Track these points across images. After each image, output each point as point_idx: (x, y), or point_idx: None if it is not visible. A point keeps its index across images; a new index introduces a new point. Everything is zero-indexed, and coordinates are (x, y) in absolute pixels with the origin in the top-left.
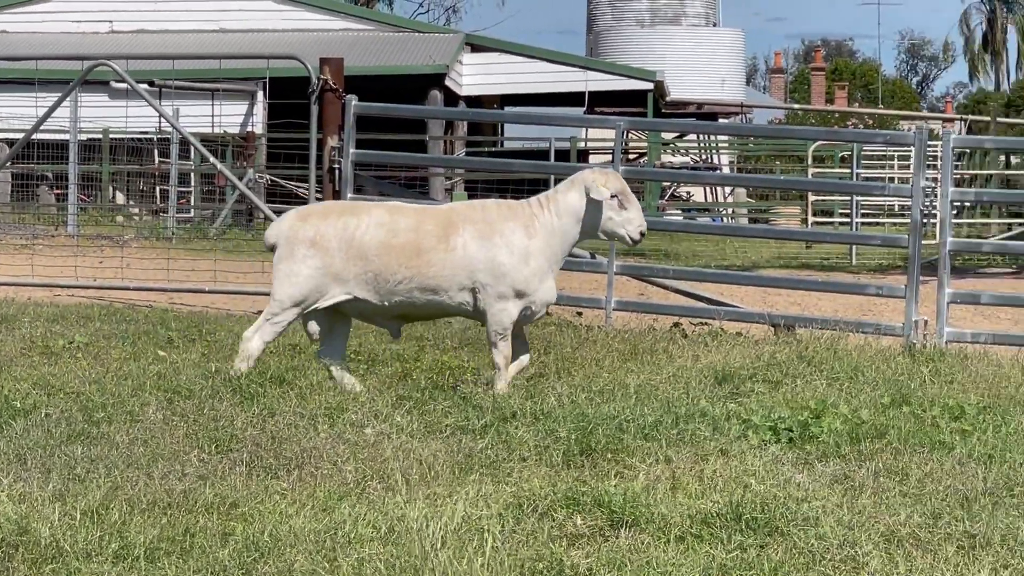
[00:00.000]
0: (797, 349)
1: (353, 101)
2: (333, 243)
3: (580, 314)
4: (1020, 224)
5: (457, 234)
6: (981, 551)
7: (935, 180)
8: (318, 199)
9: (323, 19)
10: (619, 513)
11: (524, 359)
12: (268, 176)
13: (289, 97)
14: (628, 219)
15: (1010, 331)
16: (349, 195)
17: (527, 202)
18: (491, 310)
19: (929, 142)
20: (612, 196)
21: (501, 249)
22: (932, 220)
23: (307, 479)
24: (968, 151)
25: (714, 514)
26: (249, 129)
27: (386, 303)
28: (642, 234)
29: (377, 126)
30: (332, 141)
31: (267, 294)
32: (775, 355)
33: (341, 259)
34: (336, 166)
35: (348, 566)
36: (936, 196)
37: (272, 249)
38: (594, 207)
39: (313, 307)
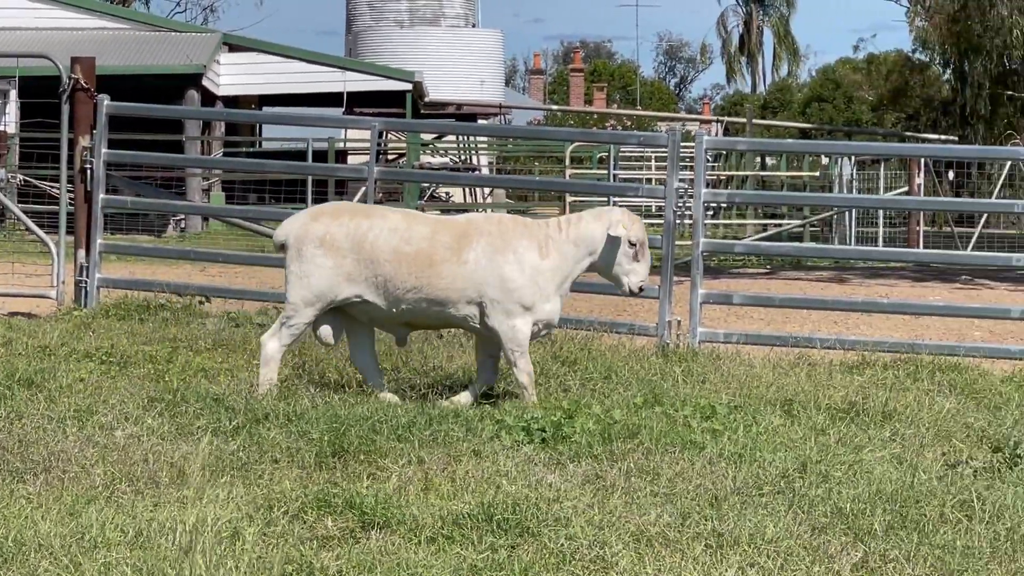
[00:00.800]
0: (551, 349)
1: (105, 101)
2: (344, 243)
3: None
4: (776, 225)
5: (471, 247)
6: (729, 550)
7: (689, 181)
8: (70, 200)
9: (77, 17)
10: (370, 515)
11: (470, 395)
12: (21, 176)
13: (42, 96)
14: (635, 270)
15: (762, 331)
16: (101, 195)
17: (545, 222)
18: (502, 328)
19: (683, 143)
20: (631, 244)
21: (512, 266)
22: (686, 221)
23: (54, 483)
24: (724, 153)
25: (465, 515)
26: (1, 128)
27: (394, 310)
28: (640, 289)
29: (134, 126)
30: (84, 141)
31: (17, 295)
32: (533, 356)
33: (352, 260)
34: (88, 166)
35: (94, 571)
36: (690, 197)
37: (282, 248)
38: (611, 246)
39: (328, 306)
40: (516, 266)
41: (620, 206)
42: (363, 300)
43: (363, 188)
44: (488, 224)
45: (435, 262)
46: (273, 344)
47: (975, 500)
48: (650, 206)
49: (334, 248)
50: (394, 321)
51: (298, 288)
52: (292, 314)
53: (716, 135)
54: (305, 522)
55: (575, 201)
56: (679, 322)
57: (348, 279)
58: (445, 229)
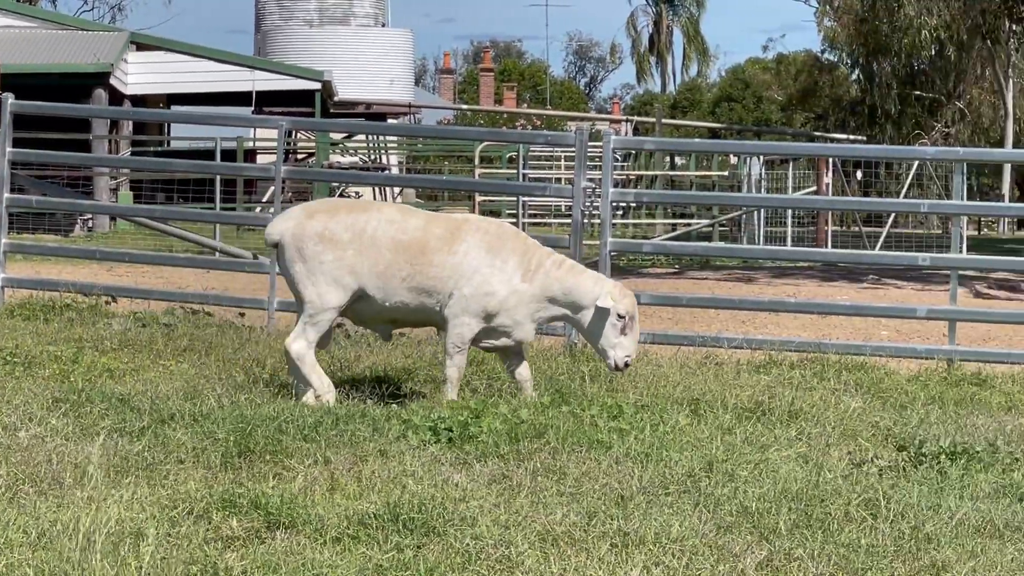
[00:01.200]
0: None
1: (9, 99)
2: (344, 236)
3: (243, 315)
4: (685, 224)
5: (462, 240)
6: (634, 549)
7: (597, 181)
8: None
9: None
10: (276, 515)
11: (526, 374)
12: None
13: None
14: (622, 343)
15: (670, 331)
16: (6, 195)
17: (548, 251)
18: (453, 320)
19: (590, 143)
20: (620, 316)
21: (496, 273)
22: (595, 220)
23: None
24: (634, 152)
25: (371, 515)
26: None
27: (387, 303)
28: (627, 364)
29: (40, 125)
30: None
31: None
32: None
33: (353, 252)
34: None
35: None
36: (597, 197)
37: (274, 246)
38: (600, 316)
39: (347, 298)
40: (499, 274)
41: (611, 282)
42: (363, 294)
43: (271, 188)
44: (488, 224)
45: (428, 251)
46: (299, 344)
47: (880, 499)
48: (559, 206)
49: (334, 242)
50: (384, 317)
51: (312, 286)
52: (314, 310)
53: (626, 135)
54: (210, 522)
55: (484, 200)
56: None
57: (351, 272)
58: (439, 222)
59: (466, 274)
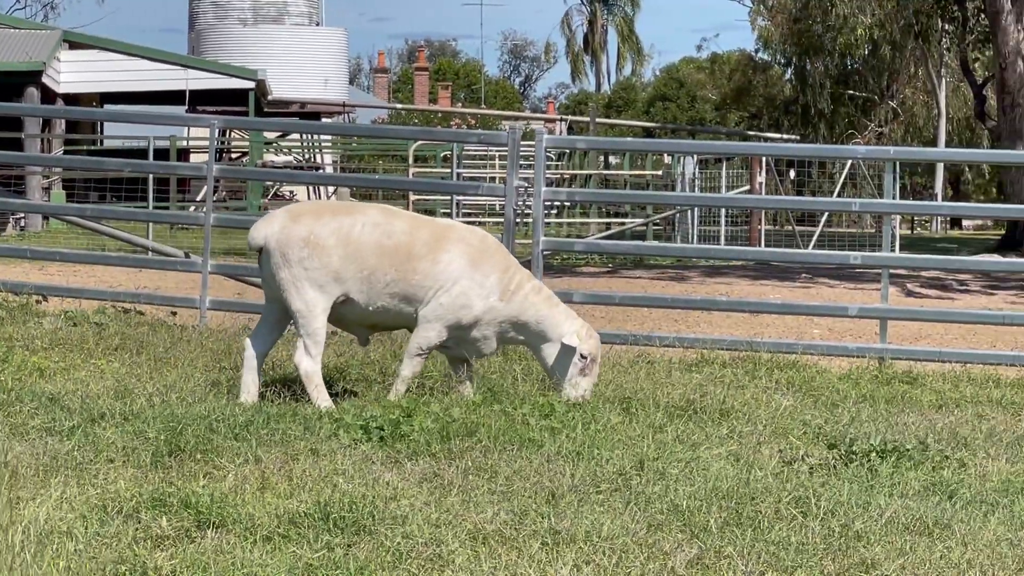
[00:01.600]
0: (391, 348)
1: None
2: (330, 241)
3: (175, 314)
4: (619, 223)
5: (447, 250)
6: (565, 547)
7: (530, 179)
8: None
9: None
10: (206, 514)
11: (470, 374)
12: None
13: None
14: (580, 384)
15: (602, 329)
16: None
17: (527, 273)
18: (423, 323)
19: (523, 142)
20: (583, 356)
21: (474, 288)
22: (528, 219)
23: None
24: (569, 151)
25: (302, 514)
26: None
27: (370, 308)
28: (583, 399)
29: None
30: None
31: None
32: (369, 353)
33: (339, 257)
34: None
35: None
36: (530, 195)
37: (257, 250)
38: (565, 353)
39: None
40: (478, 287)
41: (582, 320)
42: (346, 299)
43: (205, 187)
44: (472, 235)
45: (412, 256)
46: (307, 362)
47: (810, 496)
48: (492, 205)
49: (320, 247)
50: (364, 321)
51: (298, 294)
52: (305, 322)
53: (561, 134)
54: (140, 522)
55: (418, 200)
56: None
57: (336, 278)
58: (425, 226)
59: (446, 284)
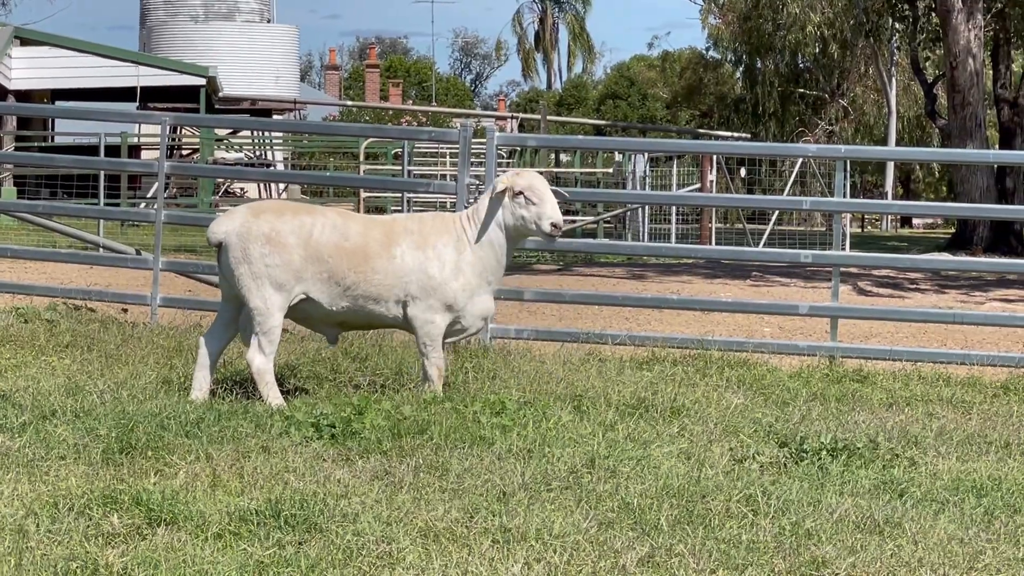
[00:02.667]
0: (343, 346)
1: None
2: (291, 239)
3: (126, 310)
4: (570, 221)
5: (397, 244)
6: (516, 545)
7: (481, 177)
8: None
9: None
10: (157, 511)
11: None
12: None
13: None
14: (538, 214)
15: (553, 327)
16: None
17: (458, 216)
18: (417, 322)
19: (475, 140)
20: (518, 193)
21: (432, 262)
22: None
23: None
24: (519, 149)
25: (253, 511)
26: None
27: (334, 308)
28: (555, 225)
29: None
30: None
31: None
32: (320, 351)
33: (300, 256)
34: None
35: None
36: (481, 193)
37: (216, 246)
38: (502, 207)
39: (289, 302)
40: (436, 263)
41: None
42: (307, 297)
43: (155, 183)
44: (410, 222)
45: (369, 256)
46: (259, 359)
47: (761, 495)
48: (443, 202)
49: (281, 245)
50: (331, 320)
51: (256, 290)
52: (262, 319)
53: (512, 131)
54: (91, 519)
55: (369, 197)
56: None
57: (296, 276)
58: (376, 225)
59: (408, 276)
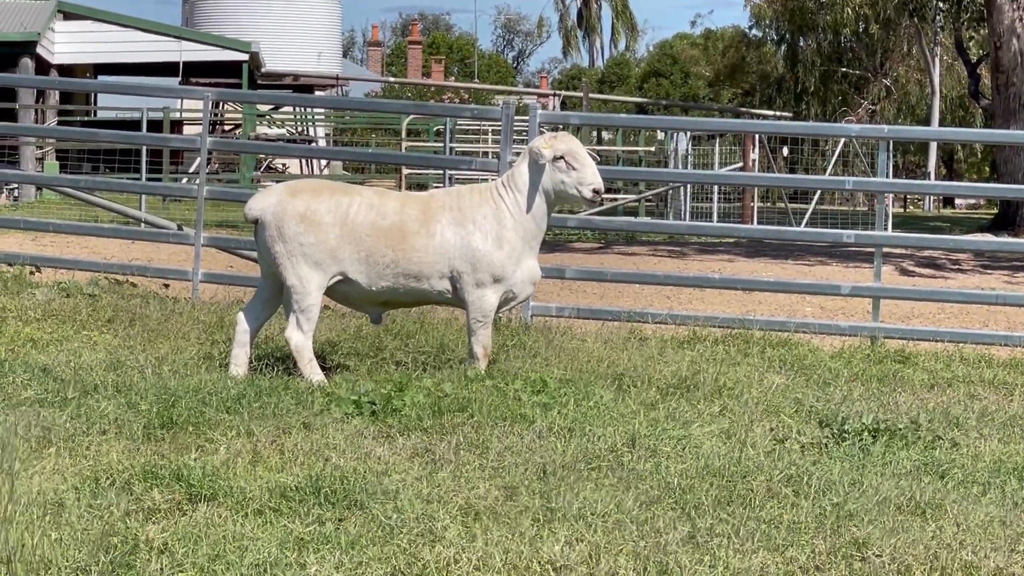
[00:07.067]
0: (386, 323)
1: None
2: (327, 218)
3: (167, 286)
4: (611, 199)
5: (436, 221)
6: (557, 524)
7: None
8: None
9: None
10: (197, 487)
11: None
12: None
13: None
14: (579, 179)
15: (594, 305)
16: None
17: (493, 185)
18: (470, 297)
19: (517, 117)
20: (559, 158)
21: (475, 236)
22: None
23: None
24: (561, 126)
25: (293, 487)
26: None
27: (373, 288)
28: (596, 191)
29: None
30: None
31: None
32: (362, 328)
33: (336, 236)
34: None
35: None
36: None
37: (253, 222)
38: (543, 173)
39: (328, 281)
40: (479, 235)
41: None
42: (345, 278)
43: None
44: (448, 198)
45: (407, 234)
46: (297, 336)
47: (802, 475)
48: (485, 179)
49: (316, 224)
50: (373, 300)
51: (292, 268)
52: (299, 297)
53: (553, 109)
54: (132, 494)
55: (411, 173)
56: None
57: (332, 256)
58: (413, 202)
59: (451, 252)
